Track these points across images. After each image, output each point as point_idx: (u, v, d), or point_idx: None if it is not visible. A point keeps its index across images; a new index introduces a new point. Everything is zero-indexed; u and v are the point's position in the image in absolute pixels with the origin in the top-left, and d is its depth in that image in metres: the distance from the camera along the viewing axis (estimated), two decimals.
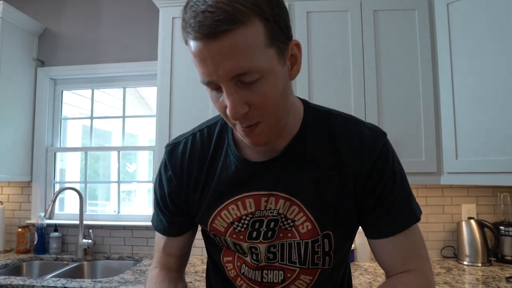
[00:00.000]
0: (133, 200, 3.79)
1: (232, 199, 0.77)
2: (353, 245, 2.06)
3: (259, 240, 0.77)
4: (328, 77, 1.91)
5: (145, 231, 2.30)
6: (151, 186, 2.71)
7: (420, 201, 2.10)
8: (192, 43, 0.59)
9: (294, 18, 1.95)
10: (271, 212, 0.76)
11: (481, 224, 1.97)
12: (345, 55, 1.91)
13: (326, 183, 0.74)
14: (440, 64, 1.88)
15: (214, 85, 0.62)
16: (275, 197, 0.75)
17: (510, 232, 1.93)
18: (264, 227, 0.76)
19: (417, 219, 0.77)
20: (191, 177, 0.79)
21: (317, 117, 0.78)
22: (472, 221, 1.97)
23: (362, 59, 1.90)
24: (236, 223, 0.77)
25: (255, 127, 0.65)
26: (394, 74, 1.89)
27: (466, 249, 1.96)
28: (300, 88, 1.91)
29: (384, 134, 0.77)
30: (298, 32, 1.94)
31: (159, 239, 0.88)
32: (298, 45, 0.67)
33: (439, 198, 2.12)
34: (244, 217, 0.76)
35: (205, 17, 0.55)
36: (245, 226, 0.77)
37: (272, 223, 0.76)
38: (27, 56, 2.48)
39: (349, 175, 0.74)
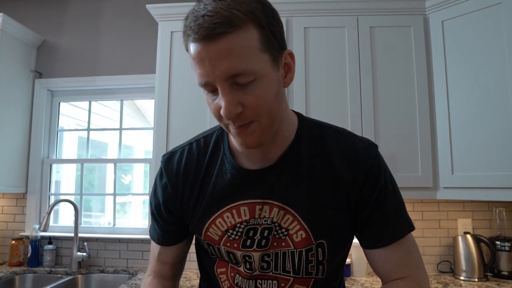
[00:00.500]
0: (128, 212, 3.76)
1: (227, 207, 0.77)
2: (349, 260, 2.05)
3: (253, 248, 0.77)
4: (325, 91, 1.93)
5: (141, 244, 2.28)
6: (146, 198, 2.70)
7: (416, 215, 2.11)
8: (192, 46, 0.63)
9: (291, 33, 1.97)
10: (265, 220, 0.76)
11: (477, 239, 1.97)
12: (342, 70, 1.94)
13: (320, 192, 0.76)
14: (436, 79, 1.91)
15: (210, 87, 0.64)
16: (269, 206, 0.76)
17: (506, 247, 1.94)
18: (258, 235, 0.77)
19: (412, 227, 0.79)
20: (186, 185, 0.80)
21: (311, 128, 0.80)
22: (468, 236, 1.98)
23: (359, 74, 1.92)
24: (231, 231, 0.78)
25: (248, 126, 0.66)
26: (390, 89, 1.91)
27: (463, 264, 1.96)
28: (297, 102, 1.92)
29: (376, 146, 0.80)
30: (296, 47, 1.96)
31: (154, 247, 0.89)
32: (291, 55, 0.71)
33: (435, 213, 2.13)
34: (238, 225, 0.77)
35: (204, 20, 0.60)
36: (239, 234, 0.77)
37: (266, 231, 0.77)
38: (25, 68, 2.48)
39: (343, 185, 0.75)
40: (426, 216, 2.12)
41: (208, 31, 0.59)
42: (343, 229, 0.78)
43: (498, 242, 1.96)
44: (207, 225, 0.79)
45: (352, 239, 0.83)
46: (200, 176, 0.80)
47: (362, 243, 0.80)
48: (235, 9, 0.60)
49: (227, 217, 0.77)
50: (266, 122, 0.67)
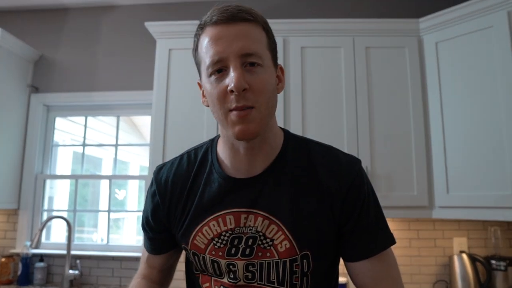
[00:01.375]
0: (121, 228, 3.71)
1: (214, 215, 0.79)
2: (345, 279, 2.04)
3: (237, 257, 0.78)
4: (322, 110, 1.95)
5: (134, 262, 2.25)
6: (140, 214, 2.67)
7: (412, 234, 2.12)
8: (210, 30, 0.73)
9: (288, 53, 2.00)
10: (250, 229, 0.78)
11: (473, 258, 1.97)
12: (338, 89, 1.96)
13: (305, 203, 0.78)
14: (430, 99, 1.94)
15: (220, 65, 0.70)
16: (254, 215, 0.77)
17: (502, 267, 1.94)
18: (242, 243, 0.78)
19: (393, 241, 0.81)
20: (174, 194, 0.83)
21: (297, 143, 0.84)
22: (464, 255, 1.98)
23: (355, 94, 1.95)
24: (216, 239, 0.79)
25: (249, 113, 0.70)
26: (386, 109, 1.94)
27: (459, 284, 1.95)
28: (294, 120, 1.94)
29: (359, 161, 0.83)
30: (293, 66, 1.99)
31: (144, 252, 0.94)
32: (282, 69, 0.82)
33: (431, 232, 2.13)
34: (224, 233, 0.79)
35: (229, 7, 0.72)
36: (224, 242, 0.79)
37: (251, 240, 0.78)
38: (21, 82, 2.47)
39: (327, 196, 0.78)
40: (422, 235, 2.12)
41: (232, 14, 0.71)
42: (328, 241, 0.79)
43: (493, 261, 1.96)
44: (194, 233, 0.81)
45: (337, 253, 0.84)
46: (187, 185, 0.82)
47: (345, 257, 0.82)
48: (253, 10, 0.74)
49: (213, 225, 0.79)
50: (265, 111, 0.72)
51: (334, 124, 1.93)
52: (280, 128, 0.86)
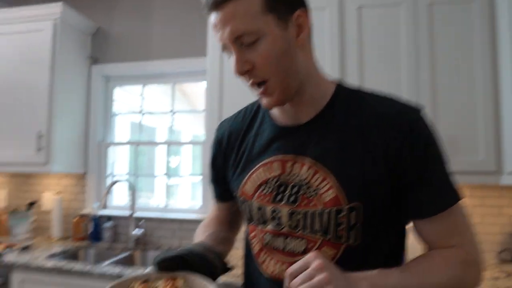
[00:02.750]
0: (175, 194, 3.89)
1: (262, 162, 0.83)
2: None
3: (282, 203, 0.79)
4: (380, 72, 1.86)
5: (193, 223, 2.36)
6: (195, 180, 2.78)
7: (475, 201, 2.02)
8: (209, 15, 0.75)
9: (345, 13, 1.91)
10: (295, 177, 0.79)
11: None
12: (397, 51, 1.85)
13: (354, 152, 0.75)
14: (501, 55, 1.78)
15: (226, 49, 0.75)
16: (300, 163, 0.78)
17: None
18: (288, 191, 0.79)
19: (461, 196, 0.75)
20: (230, 142, 0.91)
21: (349, 93, 0.82)
22: None
23: (415, 55, 1.83)
24: (264, 185, 0.82)
25: (267, 87, 0.74)
26: (450, 68, 1.81)
27: None
28: (352, 80, 1.87)
29: (419, 109, 0.77)
30: (349, 27, 1.90)
31: (213, 198, 1.04)
32: (303, 16, 0.74)
33: (497, 199, 2.02)
34: (271, 179, 0.82)
35: None
36: (271, 188, 0.81)
37: (295, 188, 0.78)
38: (81, 55, 2.60)
39: (380, 145, 0.73)
40: (487, 202, 2.01)
41: (215, 1, 0.71)
42: (381, 192, 0.74)
43: None
44: (245, 179, 0.86)
45: (396, 208, 0.77)
46: (241, 134, 0.90)
47: (409, 213, 0.76)
48: None
49: (262, 171, 0.83)
50: (280, 79, 0.73)
51: (393, 85, 1.84)
52: (335, 81, 0.85)
